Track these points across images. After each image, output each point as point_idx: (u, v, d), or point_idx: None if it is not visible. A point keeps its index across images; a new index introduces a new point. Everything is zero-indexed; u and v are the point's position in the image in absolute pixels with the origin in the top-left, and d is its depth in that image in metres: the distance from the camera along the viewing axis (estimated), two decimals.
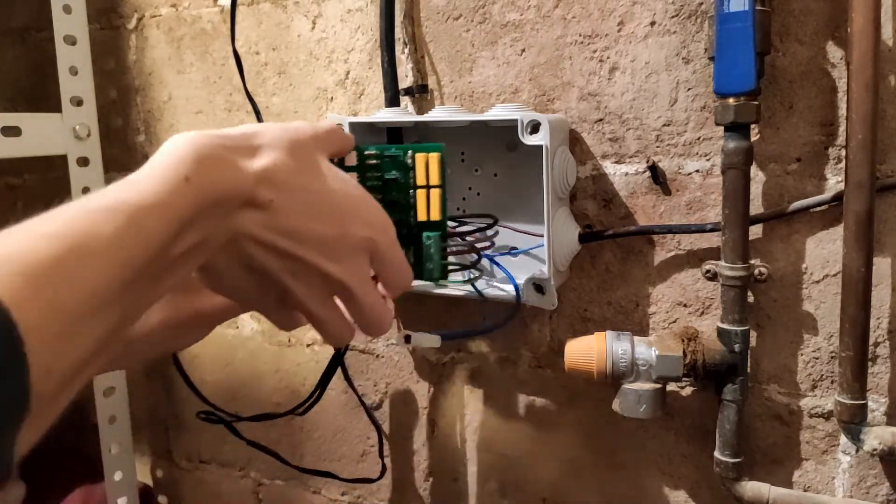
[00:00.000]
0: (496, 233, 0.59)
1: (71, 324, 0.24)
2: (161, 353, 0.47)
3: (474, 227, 0.58)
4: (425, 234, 0.49)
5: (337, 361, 0.73)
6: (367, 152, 0.49)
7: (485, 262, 0.62)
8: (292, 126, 0.40)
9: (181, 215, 0.30)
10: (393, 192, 0.50)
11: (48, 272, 0.24)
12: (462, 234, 0.58)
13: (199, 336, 0.45)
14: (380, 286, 0.43)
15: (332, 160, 0.42)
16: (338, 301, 0.41)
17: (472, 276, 0.60)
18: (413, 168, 0.49)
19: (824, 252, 0.56)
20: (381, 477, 0.77)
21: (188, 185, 0.30)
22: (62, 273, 0.24)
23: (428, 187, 0.49)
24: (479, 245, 0.57)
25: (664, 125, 0.59)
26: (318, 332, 0.41)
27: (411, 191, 0.49)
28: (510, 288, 0.60)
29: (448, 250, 0.52)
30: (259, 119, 0.76)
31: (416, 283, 0.48)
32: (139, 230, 0.28)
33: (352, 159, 0.49)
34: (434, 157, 0.48)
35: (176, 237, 0.30)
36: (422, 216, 0.49)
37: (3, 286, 0.22)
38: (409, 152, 0.49)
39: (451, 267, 0.54)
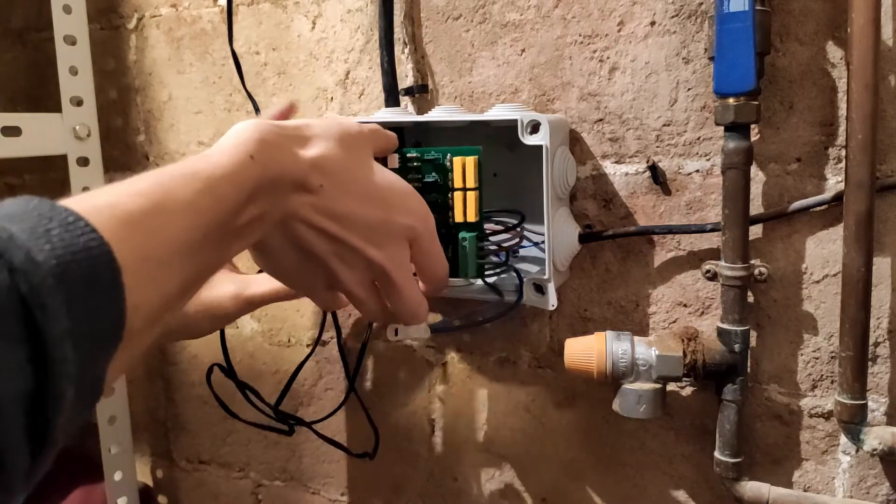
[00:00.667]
0: (522, 230, 0.59)
1: (155, 269, 0.27)
2: (204, 332, 0.56)
3: (504, 227, 0.58)
4: (462, 234, 0.51)
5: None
6: (409, 154, 0.52)
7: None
8: (341, 120, 0.43)
9: (247, 187, 0.33)
10: (432, 193, 0.52)
11: (137, 222, 0.27)
12: (493, 233, 0.58)
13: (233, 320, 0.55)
14: (420, 284, 0.47)
15: (376, 159, 0.45)
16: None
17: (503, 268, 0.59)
18: (451, 171, 0.51)
19: (824, 252, 0.56)
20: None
21: (253, 162, 0.34)
22: (149, 224, 0.27)
23: (465, 190, 0.51)
24: (506, 244, 0.57)
25: (664, 125, 0.59)
26: (358, 310, 0.45)
27: (450, 192, 0.51)
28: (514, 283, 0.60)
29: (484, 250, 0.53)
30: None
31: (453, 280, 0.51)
32: (213, 195, 0.31)
33: (394, 162, 0.52)
34: (470, 161, 0.50)
35: (241, 207, 0.33)
36: (459, 217, 0.51)
37: (103, 229, 0.24)
38: (448, 155, 0.51)
39: (486, 267, 0.55)
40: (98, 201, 0.26)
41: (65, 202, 0.25)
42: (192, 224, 0.30)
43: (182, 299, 0.31)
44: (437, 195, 0.52)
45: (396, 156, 0.51)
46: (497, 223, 0.57)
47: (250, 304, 0.55)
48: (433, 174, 0.52)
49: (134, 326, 0.26)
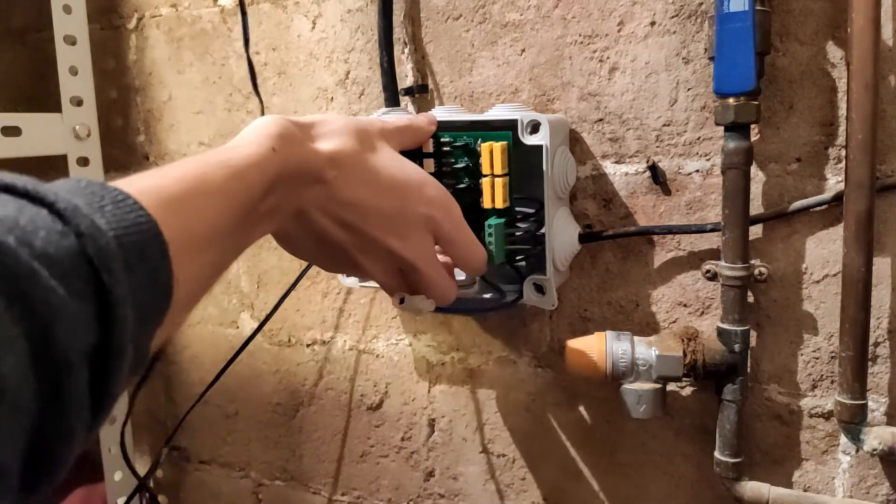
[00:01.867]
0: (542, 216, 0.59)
1: (195, 247, 0.29)
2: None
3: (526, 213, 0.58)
4: (488, 221, 0.51)
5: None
6: (442, 139, 0.52)
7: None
8: (358, 118, 0.45)
9: (269, 177, 0.35)
10: (464, 177, 0.53)
11: (179, 203, 0.29)
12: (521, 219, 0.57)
13: None
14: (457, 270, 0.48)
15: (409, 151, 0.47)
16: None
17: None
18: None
19: (824, 252, 0.56)
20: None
21: (275, 154, 0.36)
22: (189, 205, 0.29)
23: (493, 176, 0.51)
24: (533, 230, 0.57)
25: (664, 125, 0.59)
26: (383, 289, 0.47)
27: (480, 178, 0.51)
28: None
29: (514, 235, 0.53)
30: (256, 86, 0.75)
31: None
32: (241, 181, 0.33)
33: (429, 146, 0.52)
34: (498, 147, 0.50)
35: (264, 195, 0.35)
36: (487, 203, 0.51)
37: (149, 208, 0.26)
38: (479, 140, 0.51)
39: (517, 254, 0.54)
40: (143, 184, 0.28)
41: (112, 183, 0.27)
42: (225, 207, 0.32)
43: (212, 280, 0.33)
44: (469, 180, 0.52)
45: (430, 140, 0.52)
46: (517, 212, 0.57)
47: None
48: (464, 158, 0.52)
49: (177, 300, 0.28)
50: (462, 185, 0.52)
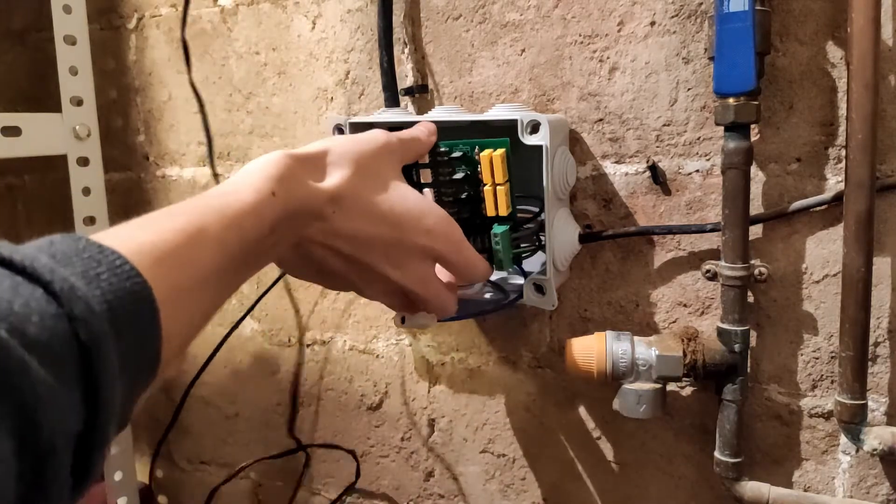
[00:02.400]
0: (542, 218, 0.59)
1: (185, 299, 0.30)
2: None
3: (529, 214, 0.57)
4: (493, 230, 0.50)
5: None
6: (440, 149, 0.51)
7: None
8: (364, 138, 0.45)
9: (268, 222, 0.36)
10: (464, 186, 0.52)
11: (174, 258, 0.29)
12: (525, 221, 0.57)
13: None
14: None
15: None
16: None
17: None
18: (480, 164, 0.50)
19: (824, 252, 0.56)
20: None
21: (274, 199, 0.36)
22: (183, 258, 0.30)
23: (494, 185, 0.50)
24: (537, 231, 0.56)
25: (664, 125, 0.59)
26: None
27: (480, 186, 0.50)
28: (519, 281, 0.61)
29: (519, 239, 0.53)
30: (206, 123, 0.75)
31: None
32: (239, 230, 0.34)
33: (425, 157, 0.52)
34: (497, 156, 0.49)
35: (263, 239, 0.36)
36: (490, 212, 0.50)
37: (144, 269, 0.27)
38: (476, 148, 0.50)
39: (523, 254, 0.54)
40: (140, 240, 0.28)
41: (109, 240, 0.27)
42: (220, 256, 0.32)
43: (204, 324, 0.33)
44: (470, 188, 0.51)
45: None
46: (521, 211, 0.56)
47: None
48: (463, 167, 0.51)
49: (166, 357, 0.28)
50: (462, 196, 0.52)
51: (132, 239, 0.28)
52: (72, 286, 0.24)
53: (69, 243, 0.26)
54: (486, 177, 0.50)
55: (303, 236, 0.40)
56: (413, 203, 0.44)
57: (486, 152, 0.49)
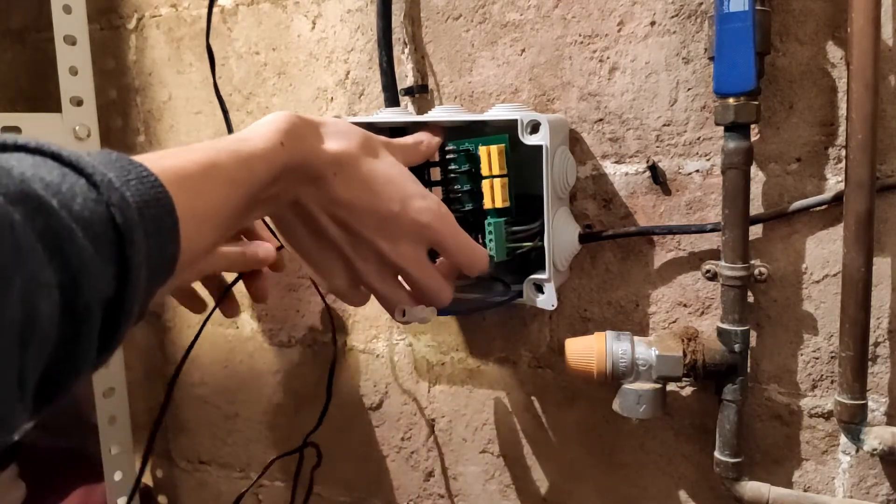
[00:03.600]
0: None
1: (200, 222, 0.33)
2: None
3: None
4: (488, 220, 0.53)
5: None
6: (448, 148, 0.55)
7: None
8: (366, 131, 0.47)
9: (275, 168, 0.39)
10: (467, 182, 0.55)
11: (192, 185, 0.33)
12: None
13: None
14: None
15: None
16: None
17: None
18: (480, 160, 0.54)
19: (824, 252, 0.56)
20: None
21: (282, 148, 0.39)
22: (200, 188, 0.33)
23: (492, 177, 0.53)
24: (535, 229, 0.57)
25: (664, 125, 0.59)
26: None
27: (481, 180, 0.54)
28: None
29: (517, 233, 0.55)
30: (227, 119, 0.75)
31: None
32: (249, 171, 0.37)
33: (435, 155, 0.56)
34: (495, 150, 0.53)
35: (268, 185, 0.39)
36: (488, 204, 0.53)
37: (168, 186, 0.30)
38: (478, 145, 0.54)
39: (518, 249, 0.56)
40: (165, 163, 0.31)
41: (138, 158, 0.31)
42: (231, 192, 0.36)
43: (210, 251, 0.38)
44: (472, 184, 0.55)
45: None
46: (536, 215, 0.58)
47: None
48: (466, 164, 0.55)
49: (181, 265, 0.32)
50: (465, 189, 0.55)
51: (155, 162, 0.31)
52: (110, 180, 0.27)
53: (104, 154, 0.30)
54: (484, 169, 0.53)
55: (304, 195, 0.42)
56: (410, 184, 0.46)
57: (486, 146, 0.53)
